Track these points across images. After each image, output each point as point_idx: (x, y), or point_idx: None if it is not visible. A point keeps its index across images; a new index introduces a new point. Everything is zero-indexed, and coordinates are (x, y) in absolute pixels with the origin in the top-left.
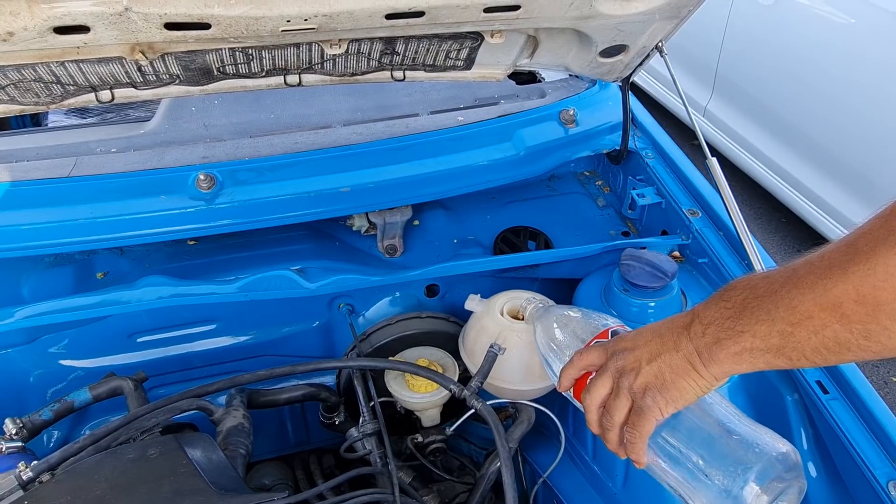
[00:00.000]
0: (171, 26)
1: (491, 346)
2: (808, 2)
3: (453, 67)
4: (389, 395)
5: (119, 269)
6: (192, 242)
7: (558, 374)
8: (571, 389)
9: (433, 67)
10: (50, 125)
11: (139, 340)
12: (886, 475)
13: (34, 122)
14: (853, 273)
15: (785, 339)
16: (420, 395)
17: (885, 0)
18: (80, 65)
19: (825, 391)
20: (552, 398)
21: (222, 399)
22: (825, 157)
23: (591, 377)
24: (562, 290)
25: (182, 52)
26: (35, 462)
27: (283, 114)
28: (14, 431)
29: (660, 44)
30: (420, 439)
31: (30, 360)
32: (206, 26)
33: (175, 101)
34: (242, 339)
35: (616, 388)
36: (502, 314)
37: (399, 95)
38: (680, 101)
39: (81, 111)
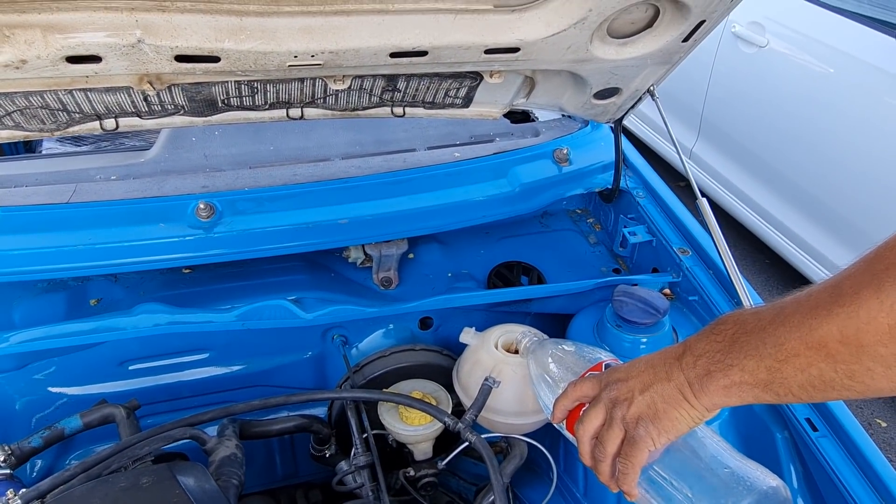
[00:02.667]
0: (181, 59)
1: (486, 380)
2: (789, 52)
3: (452, 105)
4: (381, 427)
5: (113, 296)
6: (187, 271)
7: (552, 407)
8: (564, 421)
9: (432, 105)
10: (44, 152)
11: (130, 368)
12: None
13: (27, 148)
14: (837, 315)
15: (772, 374)
16: (414, 427)
17: (861, 52)
18: (88, 93)
19: (815, 429)
20: (543, 433)
21: (214, 429)
22: (807, 200)
23: (584, 408)
24: (554, 325)
25: (189, 84)
26: (24, 490)
27: (282, 146)
28: (2, 458)
29: (651, 87)
30: (412, 473)
31: (17, 386)
32: (216, 59)
33: (175, 130)
34: (235, 368)
35: (609, 418)
36: (497, 347)
37: (397, 131)
38: (670, 142)
39: (76, 139)
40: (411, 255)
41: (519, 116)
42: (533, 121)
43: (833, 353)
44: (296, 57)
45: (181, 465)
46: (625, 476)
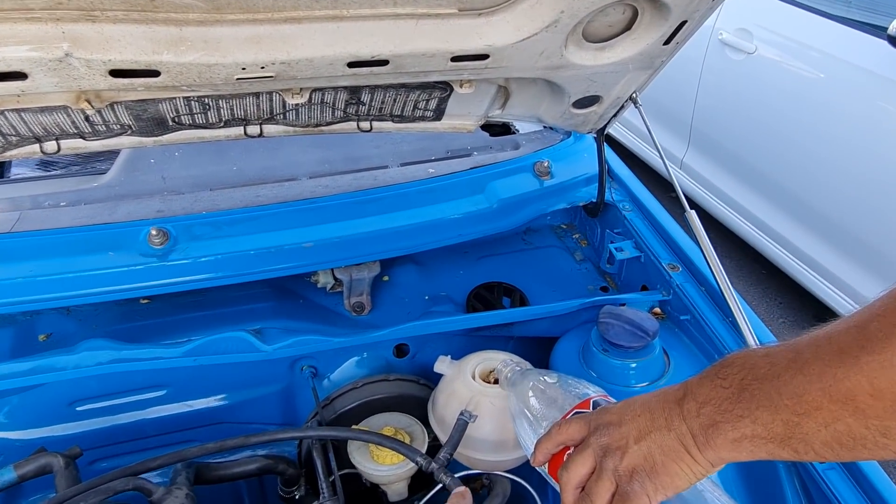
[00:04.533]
0: (116, 73)
1: (461, 414)
2: (778, 58)
3: (422, 118)
4: (354, 466)
5: (64, 330)
6: (145, 301)
7: (532, 448)
8: (546, 465)
9: (401, 118)
10: (12, 177)
11: (80, 409)
12: None
13: None
14: (867, 364)
15: (791, 429)
16: (385, 467)
17: (851, 55)
18: (22, 114)
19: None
20: (531, 468)
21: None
22: (802, 209)
23: (568, 452)
24: (539, 349)
25: (133, 102)
26: None
27: (246, 166)
28: None
29: (634, 94)
30: None
31: None
32: (156, 73)
33: (133, 153)
34: (196, 405)
35: (599, 468)
36: (474, 377)
37: (369, 147)
38: (656, 152)
39: (45, 164)
40: (386, 278)
41: (499, 129)
42: (513, 133)
43: (863, 408)
44: (244, 69)
45: None
46: None
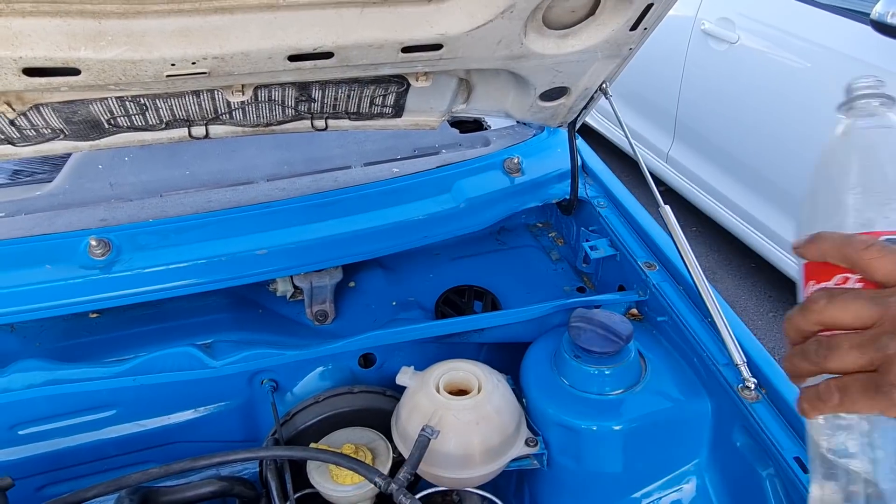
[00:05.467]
0: (31, 72)
1: (423, 430)
2: (762, 47)
3: (381, 115)
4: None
5: (6, 348)
6: (94, 315)
7: (811, 227)
8: (804, 266)
9: (358, 115)
10: None
11: (21, 433)
12: None
13: None
14: None
15: None
16: (344, 487)
17: (835, 42)
18: None
19: (805, 471)
20: (507, 477)
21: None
22: (790, 200)
23: (848, 281)
24: (514, 356)
25: (59, 103)
26: None
27: (199, 170)
28: None
29: (604, 85)
30: None
31: None
32: (75, 72)
33: (80, 159)
34: (149, 425)
35: (875, 336)
36: (438, 390)
37: (331, 147)
38: (636, 143)
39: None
40: (352, 284)
41: (470, 126)
42: (485, 129)
43: None
44: (173, 65)
45: None
46: (832, 406)
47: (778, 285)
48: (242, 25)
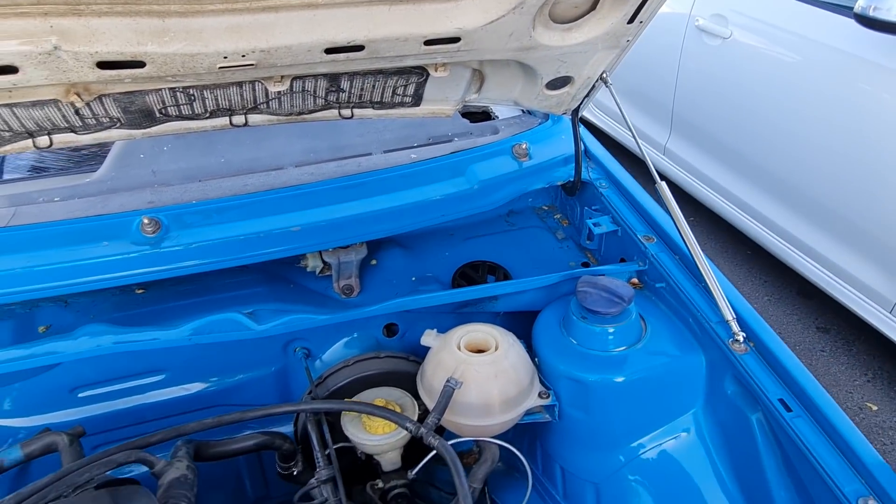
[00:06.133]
0: (104, 65)
1: (448, 381)
2: (753, 41)
3: (401, 104)
4: (348, 440)
5: (63, 321)
6: (139, 291)
7: None
8: None
9: (381, 105)
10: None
11: (81, 395)
12: (855, 492)
13: None
14: None
15: None
16: (377, 436)
17: (823, 35)
18: (14, 109)
19: (788, 409)
20: (521, 436)
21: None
22: (784, 188)
23: None
24: (524, 324)
25: (120, 94)
26: None
27: (233, 157)
28: None
29: (604, 75)
30: (381, 485)
31: None
32: (141, 64)
33: (123, 149)
34: (194, 389)
35: None
36: (459, 348)
37: (352, 136)
38: (632, 133)
39: (35, 168)
40: (374, 262)
41: (479, 116)
42: (493, 119)
43: None
44: (225, 58)
45: (124, 490)
46: None
47: (773, 271)
48: (286, 22)
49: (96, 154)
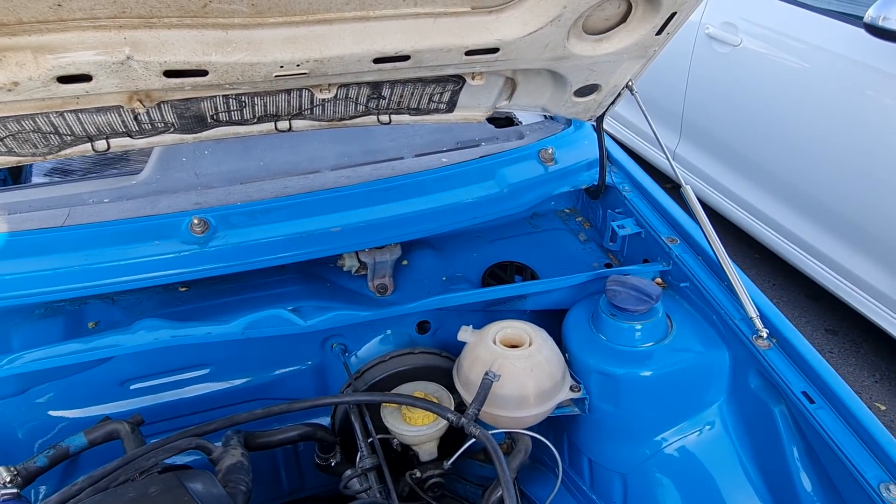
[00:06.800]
0: (170, 73)
1: (486, 374)
2: (763, 49)
3: (436, 110)
4: (385, 432)
5: (110, 317)
6: (183, 289)
7: None
8: None
9: (417, 111)
10: (34, 181)
11: (132, 388)
12: (877, 478)
13: (13, 178)
14: None
15: None
16: (417, 427)
17: (832, 44)
18: (79, 114)
19: (811, 401)
20: (547, 429)
21: (218, 442)
22: (792, 192)
23: None
24: (551, 322)
25: (178, 100)
26: None
27: (272, 161)
28: (8, 479)
29: (630, 83)
30: (419, 474)
31: (18, 412)
32: (204, 73)
33: (165, 152)
34: (236, 382)
35: None
36: (495, 343)
37: (384, 140)
38: (653, 141)
39: (63, 171)
40: (405, 262)
41: (503, 122)
42: (516, 125)
43: None
44: (282, 67)
45: (189, 472)
46: None
47: (781, 274)
48: (339, 34)
49: (120, 158)
